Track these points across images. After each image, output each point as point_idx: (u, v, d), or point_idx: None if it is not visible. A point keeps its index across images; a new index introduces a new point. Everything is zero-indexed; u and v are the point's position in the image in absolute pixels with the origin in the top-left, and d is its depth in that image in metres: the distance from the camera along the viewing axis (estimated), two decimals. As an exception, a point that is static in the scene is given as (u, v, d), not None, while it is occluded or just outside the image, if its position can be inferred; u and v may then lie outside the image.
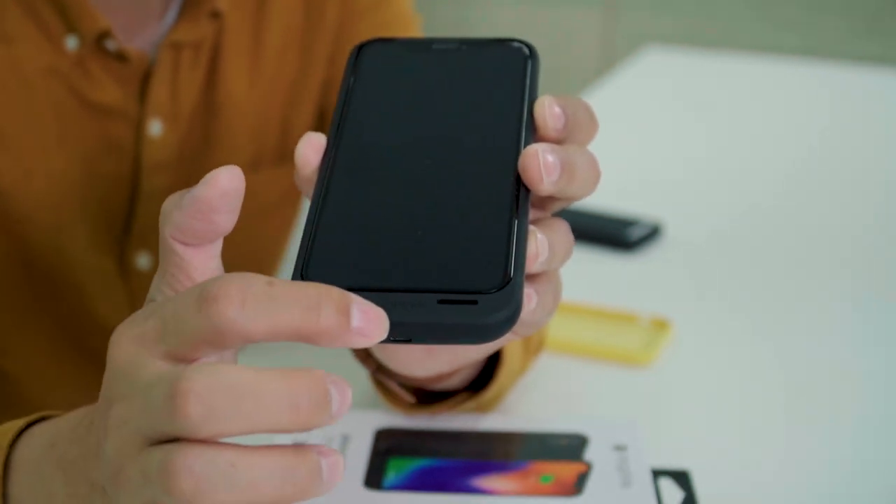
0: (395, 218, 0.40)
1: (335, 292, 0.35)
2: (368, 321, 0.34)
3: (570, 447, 0.58)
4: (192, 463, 0.32)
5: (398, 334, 0.36)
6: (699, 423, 0.64)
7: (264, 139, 0.81)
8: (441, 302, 0.36)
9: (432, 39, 0.48)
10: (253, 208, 0.82)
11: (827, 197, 1.02)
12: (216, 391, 0.33)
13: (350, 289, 0.36)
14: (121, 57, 0.71)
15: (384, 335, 0.35)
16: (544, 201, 0.44)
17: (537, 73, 0.46)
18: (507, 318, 0.36)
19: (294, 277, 0.37)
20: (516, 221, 0.39)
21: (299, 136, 0.83)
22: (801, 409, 0.66)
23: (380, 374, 0.58)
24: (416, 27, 0.86)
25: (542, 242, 0.41)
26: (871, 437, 0.63)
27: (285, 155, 0.83)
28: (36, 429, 0.44)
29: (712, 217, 0.97)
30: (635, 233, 0.90)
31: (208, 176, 0.37)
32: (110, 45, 0.70)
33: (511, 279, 0.37)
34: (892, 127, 1.24)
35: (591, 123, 0.45)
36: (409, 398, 0.59)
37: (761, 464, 0.60)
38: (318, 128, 0.84)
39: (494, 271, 0.37)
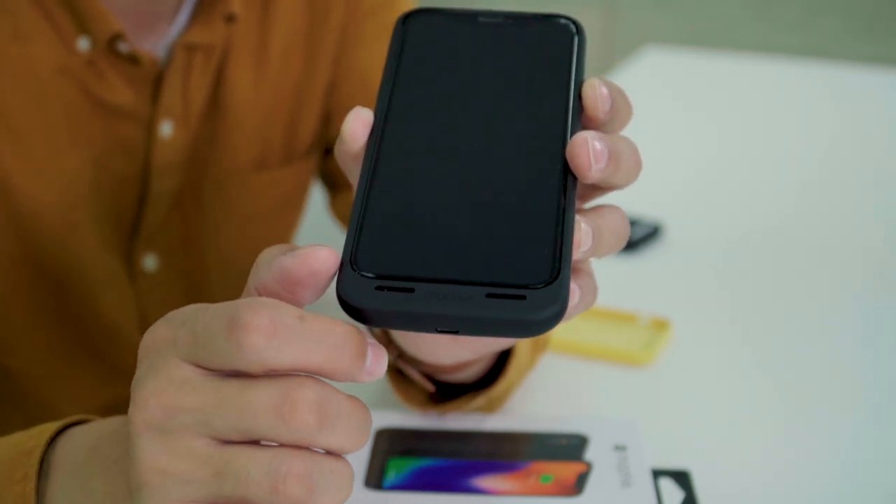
0: (443, 206, 0.39)
1: (356, 335, 0.36)
2: (377, 362, 0.36)
3: (570, 447, 0.58)
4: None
5: (445, 326, 0.36)
6: (699, 423, 0.64)
7: (270, 140, 0.81)
8: (489, 296, 0.36)
9: (478, 12, 0.47)
10: (258, 209, 0.82)
11: (826, 197, 1.02)
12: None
13: (399, 278, 0.37)
14: (132, 59, 0.71)
15: (383, 373, 0.37)
16: (586, 191, 0.44)
17: (584, 52, 0.45)
18: (555, 314, 0.36)
19: (343, 264, 0.37)
20: (564, 213, 0.39)
21: (304, 137, 0.84)
22: (801, 409, 0.66)
23: (401, 361, 0.58)
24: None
25: (587, 233, 0.40)
26: (871, 436, 0.63)
27: (290, 156, 0.83)
28: (77, 430, 0.43)
29: (712, 217, 0.97)
30: (635, 233, 0.90)
31: (304, 251, 0.37)
32: (122, 47, 0.70)
33: (559, 274, 0.37)
34: (892, 127, 1.24)
35: (628, 109, 0.44)
36: (430, 386, 0.59)
37: (761, 464, 0.60)
38: (322, 129, 0.84)
39: (543, 265, 0.37)
